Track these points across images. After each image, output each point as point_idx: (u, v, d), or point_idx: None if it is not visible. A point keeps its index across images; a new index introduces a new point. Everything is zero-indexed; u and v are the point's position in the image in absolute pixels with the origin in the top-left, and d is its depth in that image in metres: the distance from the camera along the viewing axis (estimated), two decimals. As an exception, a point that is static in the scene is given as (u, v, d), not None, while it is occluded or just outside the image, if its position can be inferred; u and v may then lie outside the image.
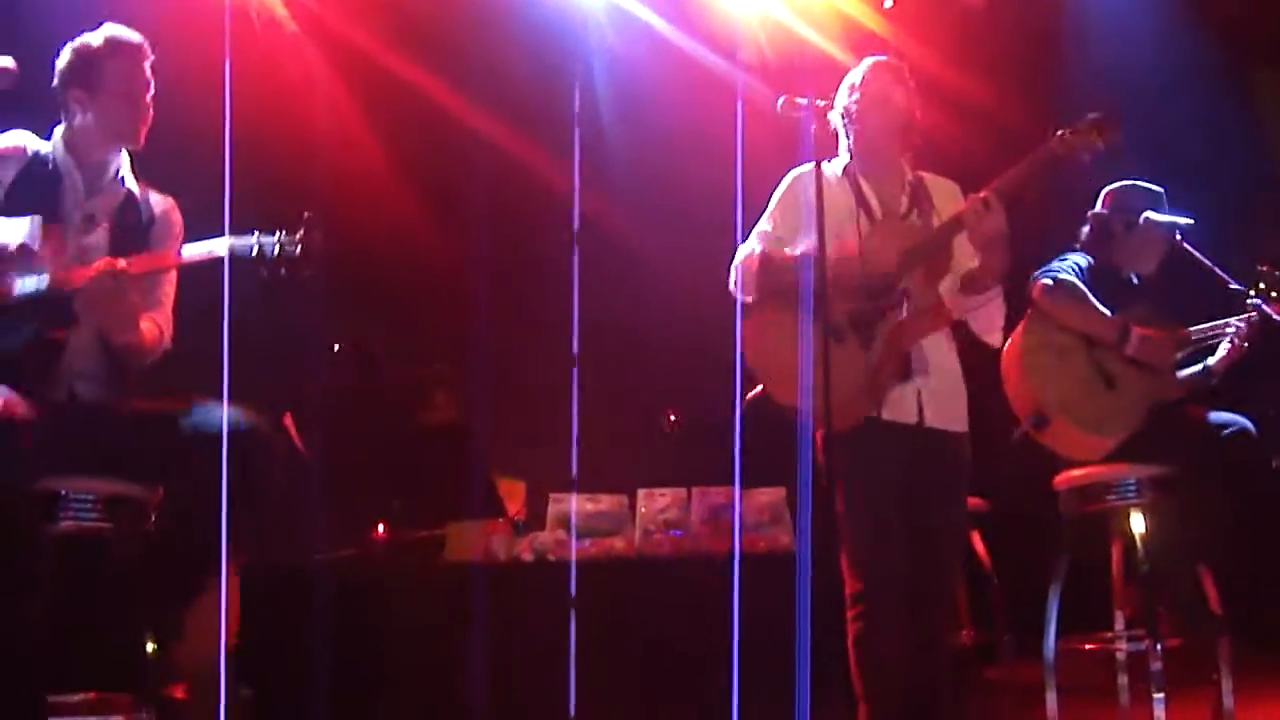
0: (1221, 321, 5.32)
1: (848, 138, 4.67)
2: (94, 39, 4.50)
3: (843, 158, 4.68)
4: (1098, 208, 5.47)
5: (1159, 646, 4.99)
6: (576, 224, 5.95)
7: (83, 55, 4.49)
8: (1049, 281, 5.25)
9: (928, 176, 4.67)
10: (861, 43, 6.90)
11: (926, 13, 7.22)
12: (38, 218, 4.30)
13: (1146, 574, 5.10)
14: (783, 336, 4.38)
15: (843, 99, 4.66)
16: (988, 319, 4.57)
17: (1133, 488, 5.13)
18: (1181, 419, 5.14)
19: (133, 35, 4.53)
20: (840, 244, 4.42)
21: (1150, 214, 5.36)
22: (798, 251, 4.44)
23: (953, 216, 4.41)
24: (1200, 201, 5.49)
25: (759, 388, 4.57)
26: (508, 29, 7.08)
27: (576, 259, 5.83)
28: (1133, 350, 5.15)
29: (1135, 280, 5.40)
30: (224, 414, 4.23)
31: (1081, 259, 5.38)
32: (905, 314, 4.41)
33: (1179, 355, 5.31)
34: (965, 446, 4.55)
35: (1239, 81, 7.05)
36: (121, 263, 4.28)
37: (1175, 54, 6.76)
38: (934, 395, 4.46)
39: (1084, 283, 5.27)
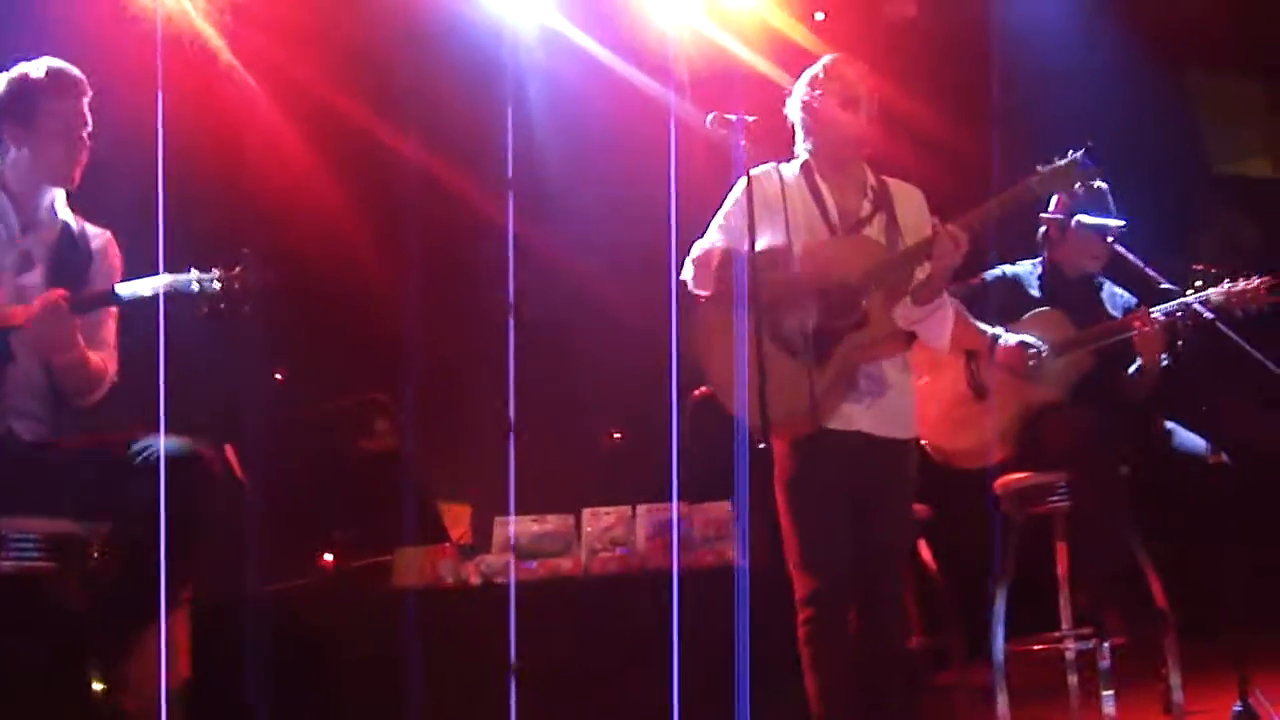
0: (1123, 319, 5.36)
1: (806, 136, 4.61)
2: (34, 70, 4.42)
3: (800, 157, 4.62)
4: (1050, 208, 5.53)
5: (1106, 644, 5.04)
6: (511, 247, 5.95)
7: (21, 88, 4.41)
8: None
9: (891, 182, 4.61)
10: (791, 58, 6.95)
11: (856, 27, 7.28)
12: None
13: (1088, 573, 5.16)
14: (733, 338, 4.36)
15: (801, 94, 4.60)
16: (936, 327, 4.55)
17: (1064, 489, 5.22)
18: (1061, 421, 5.22)
19: (73, 70, 4.45)
20: (805, 248, 4.40)
21: (1081, 217, 5.43)
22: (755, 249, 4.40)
23: (922, 242, 4.38)
24: (1137, 202, 5.56)
25: (704, 387, 4.57)
26: (440, 54, 7.09)
27: (512, 279, 5.83)
28: (997, 358, 5.28)
29: (1079, 279, 5.47)
30: (162, 444, 4.20)
31: (1003, 269, 5.54)
32: (866, 337, 4.37)
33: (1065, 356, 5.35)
34: (909, 453, 4.55)
35: (1172, 81, 7.12)
36: (62, 303, 4.22)
37: (1107, 57, 6.82)
38: (880, 408, 4.44)
39: (993, 292, 5.43)
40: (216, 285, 4.30)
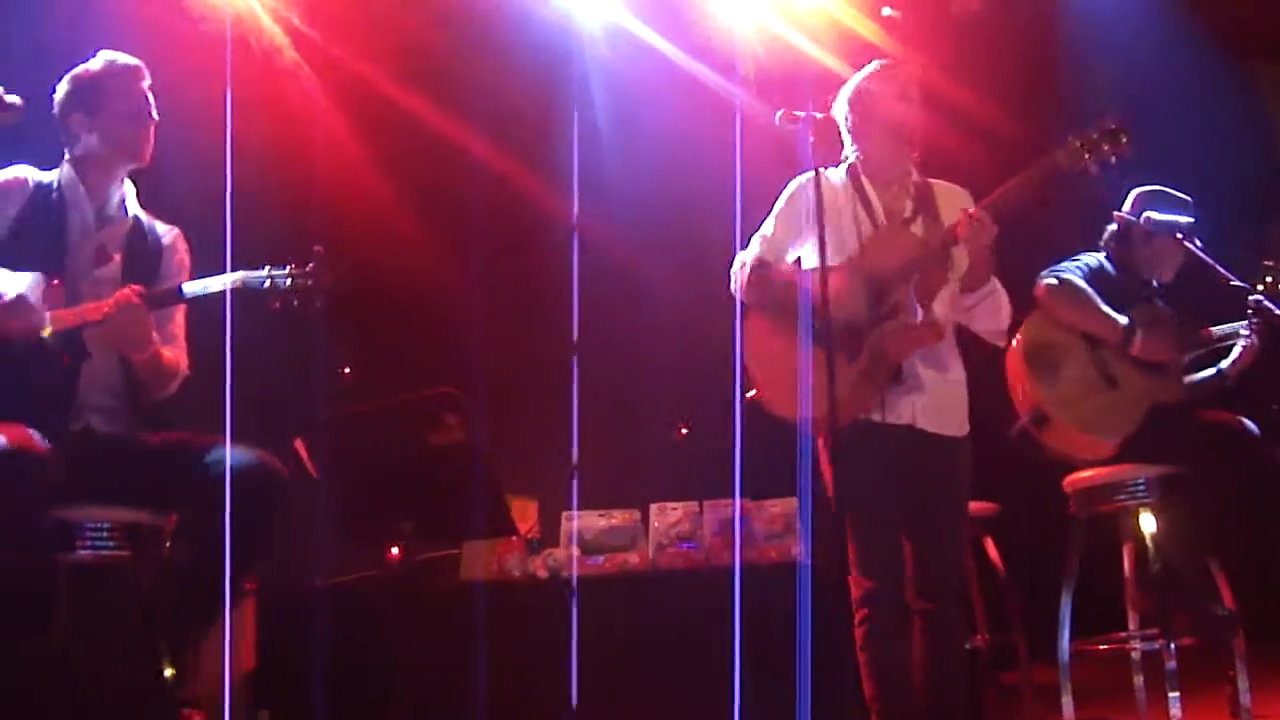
0: (1233, 326, 5.32)
1: (853, 139, 4.63)
2: (92, 64, 4.54)
3: (848, 159, 4.64)
4: (1125, 208, 5.48)
5: (1173, 646, 5.00)
6: (576, 243, 5.98)
7: (82, 80, 4.53)
8: (1053, 281, 5.28)
9: (936, 183, 4.61)
10: (859, 53, 6.92)
11: (924, 22, 7.24)
12: (41, 276, 4.29)
13: (1158, 573, 5.11)
14: (775, 346, 4.40)
15: (849, 99, 4.63)
16: (988, 315, 4.54)
17: (1142, 487, 5.16)
18: (1186, 419, 5.15)
19: (129, 59, 4.56)
20: (840, 257, 4.40)
21: (1151, 213, 5.37)
22: (793, 258, 4.46)
23: (947, 230, 4.39)
24: (1209, 199, 5.50)
25: (752, 391, 4.57)
26: (505, 52, 7.11)
27: (577, 277, 5.86)
28: (1136, 350, 5.16)
29: (1154, 282, 5.42)
30: (227, 445, 4.27)
31: (1093, 258, 5.42)
32: (896, 327, 4.37)
33: (1189, 357, 5.32)
34: (962, 451, 4.52)
35: (1242, 77, 7.04)
36: (137, 299, 4.29)
37: (1176, 53, 6.76)
38: (927, 404, 4.43)
39: (1092, 282, 5.29)
40: (288, 282, 4.35)
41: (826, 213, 4.36)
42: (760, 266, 4.52)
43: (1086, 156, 4.23)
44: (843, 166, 4.63)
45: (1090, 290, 5.27)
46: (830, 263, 4.28)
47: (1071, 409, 5.21)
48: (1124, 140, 4.24)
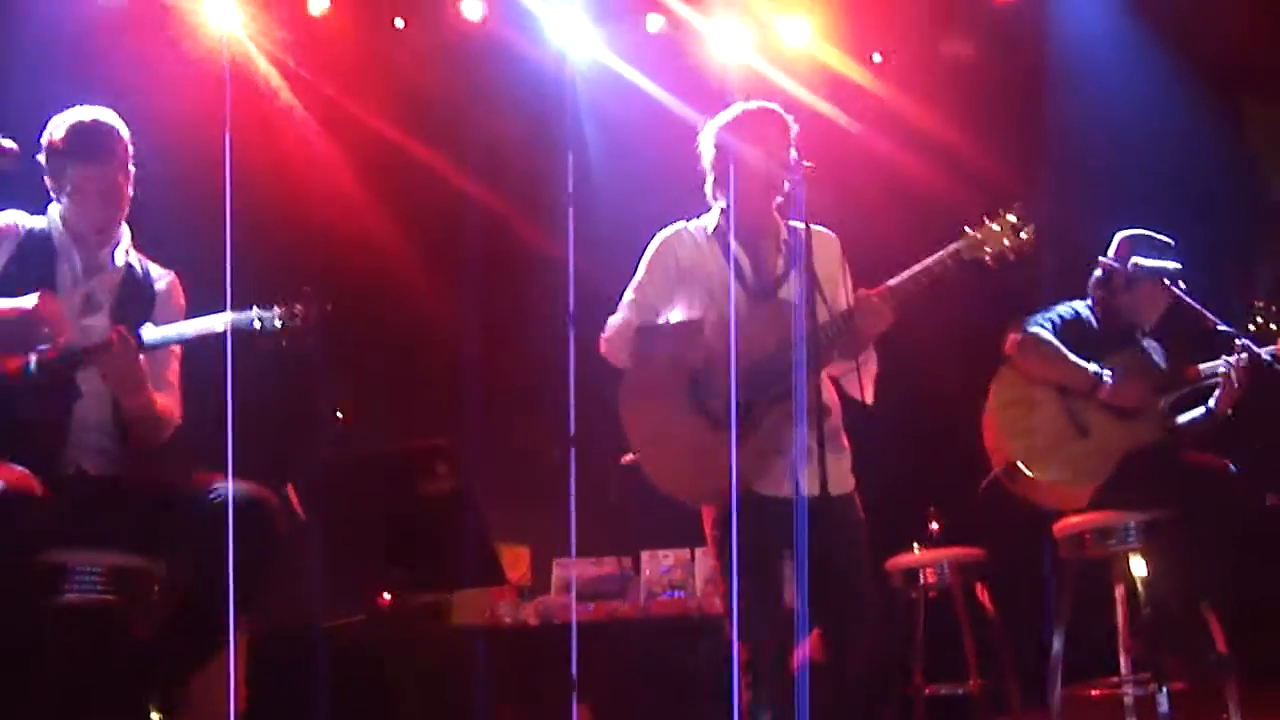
0: (1211, 364, 5.34)
1: (715, 192, 4.47)
2: (57, 130, 4.40)
3: (712, 215, 4.50)
4: (1110, 253, 5.50)
5: (1165, 690, 4.99)
6: (572, 288, 6.00)
7: (49, 150, 4.41)
8: (1019, 335, 5.32)
9: (802, 230, 4.28)
10: (849, 98, 7.00)
11: (913, 66, 7.30)
12: (36, 295, 4.25)
13: (1149, 617, 5.11)
14: (655, 412, 4.32)
15: (707, 150, 4.48)
16: (859, 381, 4.33)
17: (1132, 532, 5.15)
18: (1165, 463, 5.17)
19: (102, 125, 4.42)
20: (723, 317, 4.29)
21: (1138, 259, 5.39)
22: (669, 319, 4.37)
23: (843, 314, 4.24)
24: (1196, 238, 5.53)
25: (630, 455, 4.46)
26: (500, 92, 7.17)
27: (573, 325, 5.87)
28: (1106, 396, 5.20)
29: (1139, 327, 5.45)
30: (229, 487, 4.25)
31: (1069, 308, 5.46)
32: (791, 407, 4.15)
33: (1169, 398, 5.33)
34: (849, 505, 4.36)
35: (1228, 112, 7.08)
36: (128, 336, 4.27)
37: (1162, 93, 6.80)
38: (812, 470, 4.11)
39: (1067, 330, 5.34)
40: (278, 322, 4.35)
41: (694, 272, 4.34)
42: (640, 330, 4.38)
43: (986, 249, 4.16)
44: (707, 218, 4.51)
45: (1056, 341, 5.30)
46: (699, 316, 4.27)
47: (1040, 462, 5.24)
48: (1025, 236, 4.17)
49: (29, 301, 4.24)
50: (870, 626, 4.36)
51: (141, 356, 4.30)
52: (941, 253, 4.18)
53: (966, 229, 4.16)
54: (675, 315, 4.41)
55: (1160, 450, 5.21)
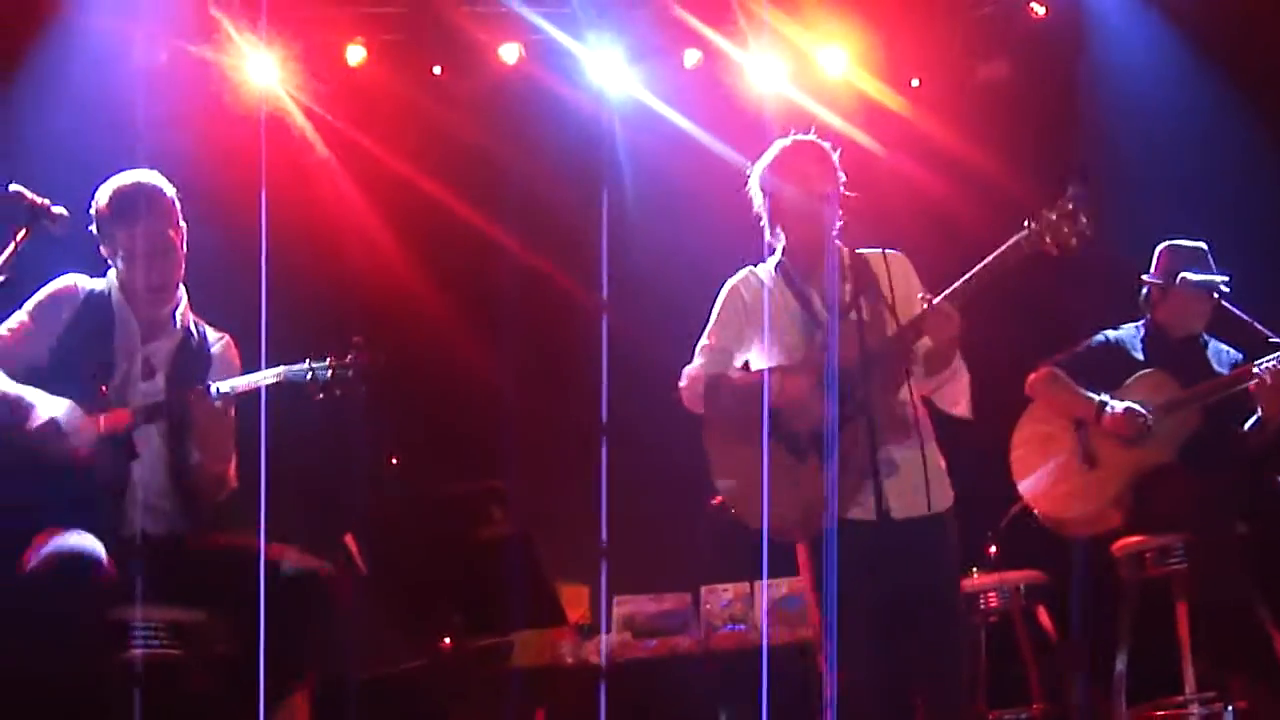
0: (1233, 373, 5.29)
1: (772, 231, 4.44)
2: (101, 197, 4.44)
3: (775, 256, 4.47)
4: (1152, 268, 5.51)
5: (1231, 708, 4.95)
6: (606, 330, 6.03)
7: (97, 216, 4.45)
8: (1036, 374, 5.47)
9: (870, 255, 4.35)
10: (886, 125, 7.00)
11: (950, 91, 7.29)
12: (76, 407, 4.27)
13: (1211, 634, 5.08)
14: (739, 455, 4.28)
15: (756, 195, 4.45)
16: (951, 395, 4.35)
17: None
18: (1174, 486, 5.16)
19: (145, 187, 4.44)
20: (789, 356, 4.31)
21: (1186, 275, 5.39)
22: (740, 363, 4.40)
23: (911, 323, 4.18)
24: (1240, 253, 5.51)
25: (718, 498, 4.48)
26: (536, 136, 7.21)
27: (606, 358, 5.89)
28: (1105, 425, 5.25)
29: (1192, 333, 5.46)
30: (261, 543, 4.29)
31: (1103, 335, 5.53)
32: (865, 426, 4.12)
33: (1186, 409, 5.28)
34: (939, 528, 4.27)
35: (1272, 125, 7.02)
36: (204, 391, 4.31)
37: (1202, 104, 6.76)
38: (895, 488, 4.15)
39: (1095, 358, 5.44)
40: (329, 374, 4.39)
41: (765, 313, 4.33)
42: (713, 380, 4.38)
43: (1047, 239, 4.08)
44: (770, 261, 4.49)
45: (1064, 375, 5.39)
46: (781, 363, 4.26)
47: (1046, 499, 5.39)
48: (1083, 220, 4.09)
49: (67, 417, 4.26)
50: (953, 671, 4.29)
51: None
52: (1003, 247, 4.13)
53: (1027, 222, 4.11)
54: (753, 357, 4.43)
55: (1164, 473, 5.22)
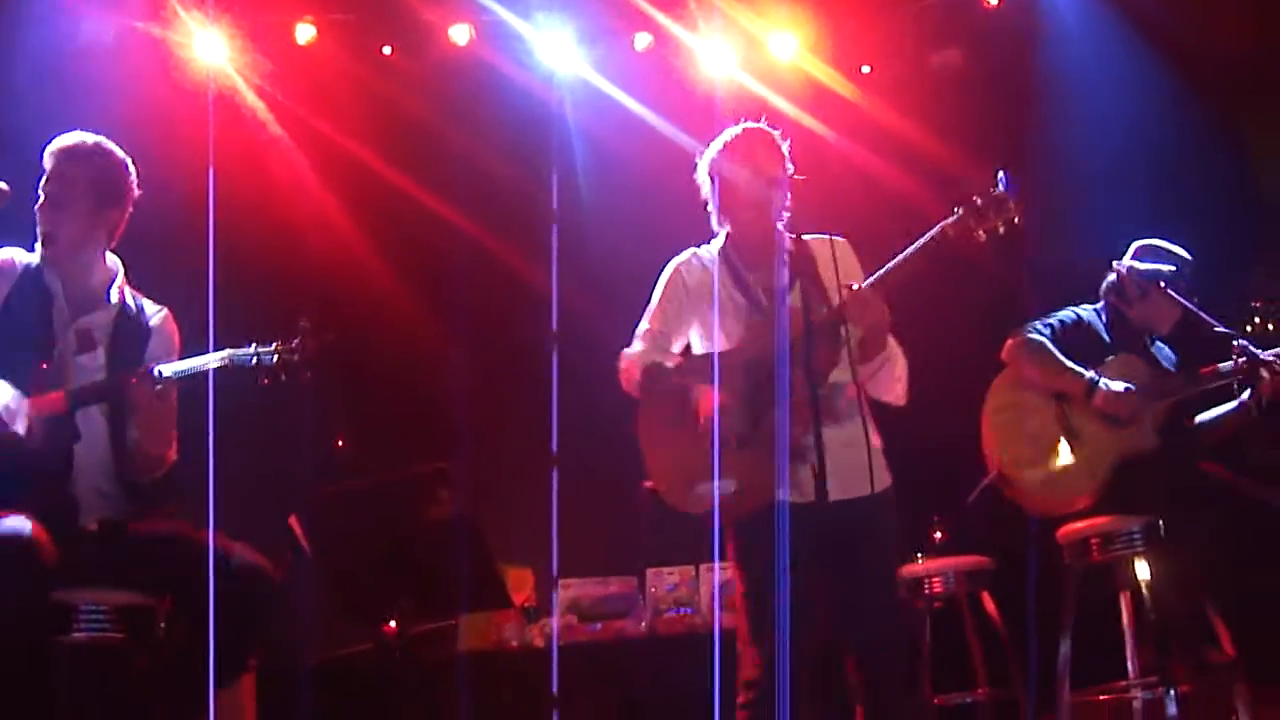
0: (1212, 370, 5.33)
1: (717, 217, 4.45)
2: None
3: (718, 239, 4.48)
4: (1126, 259, 5.50)
5: (1174, 693, 4.98)
6: (555, 310, 6.01)
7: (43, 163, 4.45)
8: (1017, 339, 5.36)
9: (811, 241, 4.35)
10: (836, 111, 7.01)
11: (902, 77, 7.31)
12: (21, 395, 4.25)
13: (1156, 621, 5.11)
14: (669, 438, 4.31)
15: (704, 181, 4.45)
16: (885, 383, 4.34)
17: (1137, 536, 5.15)
18: (1163, 468, 5.17)
19: (76, 143, 4.46)
20: (728, 341, 4.33)
21: (1132, 263, 5.41)
22: (679, 348, 4.43)
23: (835, 309, 4.18)
24: (1189, 240, 5.52)
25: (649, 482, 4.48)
26: (487, 118, 7.18)
27: (556, 350, 5.88)
28: (1099, 403, 5.20)
29: (1149, 333, 5.46)
30: (210, 528, 4.28)
31: (1071, 312, 5.47)
32: (800, 407, 4.10)
33: (1164, 402, 5.31)
34: (881, 508, 4.29)
35: (1221, 111, 7.08)
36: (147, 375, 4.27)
37: (1156, 97, 6.80)
38: (836, 470, 4.11)
39: (1067, 335, 5.35)
40: (275, 357, 4.36)
41: (705, 297, 4.34)
42: (648, 370, 4.38)
43: (973, 225, 4.09)
44: (714, 243, 4.49)
45: (1051, 347, 5.31)
46: (722, 348, 4.28)
47: (1029, 470, 5.30)
48: (1011, 207, 4.09)
49: (8, 405, 4.23)
50: (895, 646, 4.31)
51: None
52: (928, 234, 4.13)
53: (955, 209, 4.10)
54: (694, 339, 4.44)
55: (1155, 455, 5.21)
